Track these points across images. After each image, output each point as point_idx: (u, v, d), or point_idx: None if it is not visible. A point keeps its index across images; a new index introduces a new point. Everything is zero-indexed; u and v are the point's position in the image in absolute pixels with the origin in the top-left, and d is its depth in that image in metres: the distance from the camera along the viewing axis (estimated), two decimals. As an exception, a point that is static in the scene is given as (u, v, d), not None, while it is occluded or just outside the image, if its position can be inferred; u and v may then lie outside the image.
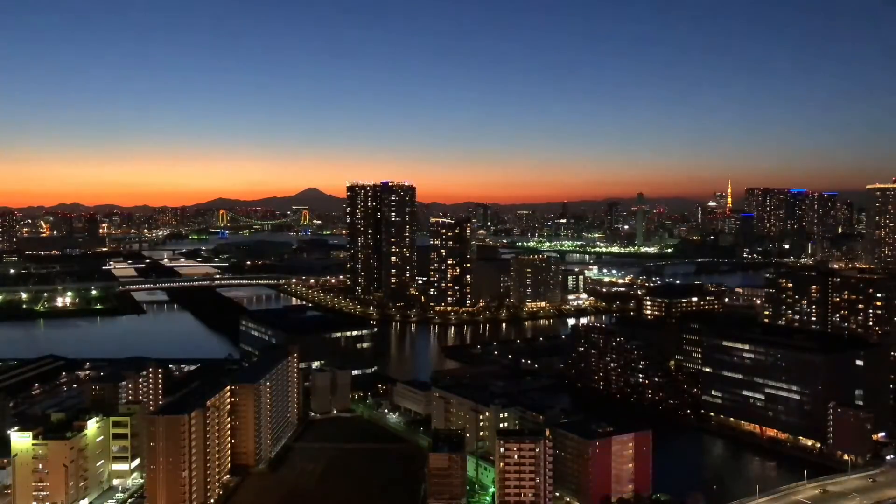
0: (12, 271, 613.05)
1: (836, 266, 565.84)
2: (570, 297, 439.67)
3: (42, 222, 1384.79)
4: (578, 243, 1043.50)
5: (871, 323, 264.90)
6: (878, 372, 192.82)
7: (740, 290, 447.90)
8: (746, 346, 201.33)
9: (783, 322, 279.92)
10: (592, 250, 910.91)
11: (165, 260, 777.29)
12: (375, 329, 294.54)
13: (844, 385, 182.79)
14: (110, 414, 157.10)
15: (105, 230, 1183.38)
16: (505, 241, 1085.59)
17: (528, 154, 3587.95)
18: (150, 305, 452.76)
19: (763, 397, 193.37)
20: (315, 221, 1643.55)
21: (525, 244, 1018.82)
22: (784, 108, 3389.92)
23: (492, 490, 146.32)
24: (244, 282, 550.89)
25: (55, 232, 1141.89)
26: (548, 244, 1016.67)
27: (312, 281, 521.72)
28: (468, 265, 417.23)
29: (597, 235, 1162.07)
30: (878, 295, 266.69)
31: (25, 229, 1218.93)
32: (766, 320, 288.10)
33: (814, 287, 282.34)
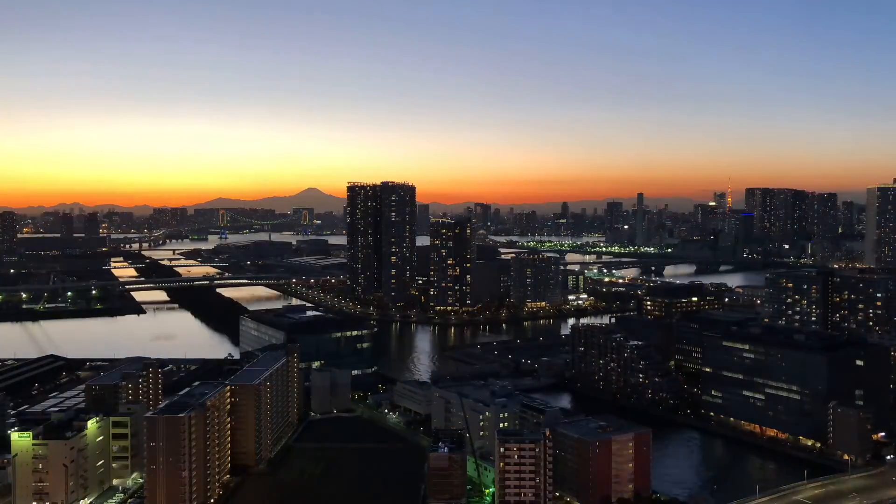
0: (12, 271, 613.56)
1: (836, 266, 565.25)
2: (570, 297, 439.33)
3: (42, 222, 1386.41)
4: (578, 243, 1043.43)
5: (871, 323, 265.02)
6: (878, 372, 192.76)
7: (740, 290, 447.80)
8: (746, 346, 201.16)
9: (783, 322, 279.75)
10: (592, 250, 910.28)
11: (165, 260, 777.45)
12: (375, 329, 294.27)
13: (844, 385, 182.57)
14: (110, 414, 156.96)
15: (105, 230, 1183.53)
16: (505, 240, 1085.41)
17: (528, 154, 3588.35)
18: (150, 305, 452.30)
19: (763, 397, 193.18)
20: (315, 221, 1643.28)
21: (525, 244, 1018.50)
22: (784, 107, 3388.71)
23: (492, 490, 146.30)
24: (244, 282, 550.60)
25: (55, 232, 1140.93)
26: (548, 244, 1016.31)
27: (312, 281, 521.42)
28: (468, 265, 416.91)
29: (597, 235, 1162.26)
30: (878, 295, 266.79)
31: (25, 229, 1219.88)
32: (766, 320, 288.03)
33: (814, 287, 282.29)
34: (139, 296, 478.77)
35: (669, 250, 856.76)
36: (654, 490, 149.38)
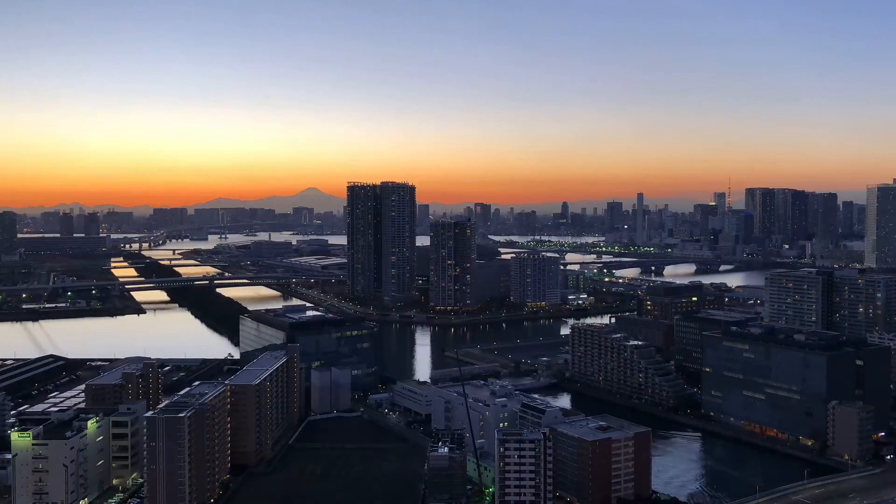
0: (12, 271, 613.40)
1: (836, 266, 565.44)
2: (570, 297, 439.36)
3: (42, 222, 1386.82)
4: (578, 243, 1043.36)
5: (871, 323, 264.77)
6: (878, 372, 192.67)
7: (740, 290, 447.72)
8: (746, 346, 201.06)
9: (783, 322, 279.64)
10: (592, 250, 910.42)
11: (165, 260, 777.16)
12: (375, 329, 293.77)
13: (844, 385, 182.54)
14: (110, 414, 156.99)
15: (105, 230, 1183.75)
16: (505, 240, 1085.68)
17: (528, 154, 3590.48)
18: (150, 305, 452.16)
19: (763, 397, 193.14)
20: (315, 221, 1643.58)
21: (525, 244, 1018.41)
22: (785, 107, 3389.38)
23: (492, 490, 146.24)
24: (244, 282, 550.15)
25: (55, 232, 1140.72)
26: (548, 244, 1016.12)
27: (312, 281, 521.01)
28: (468, 265, 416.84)
29: (597, 235, 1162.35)
30: (878, 295, 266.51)
31: (25, 229, 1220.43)
32: (766, 320, 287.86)
33: (814, 287, 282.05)
34: (139, 296, 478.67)
35: (669, 250, 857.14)
36: (654, 490, 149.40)
